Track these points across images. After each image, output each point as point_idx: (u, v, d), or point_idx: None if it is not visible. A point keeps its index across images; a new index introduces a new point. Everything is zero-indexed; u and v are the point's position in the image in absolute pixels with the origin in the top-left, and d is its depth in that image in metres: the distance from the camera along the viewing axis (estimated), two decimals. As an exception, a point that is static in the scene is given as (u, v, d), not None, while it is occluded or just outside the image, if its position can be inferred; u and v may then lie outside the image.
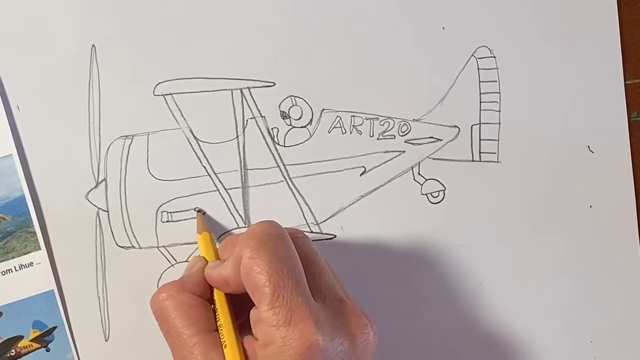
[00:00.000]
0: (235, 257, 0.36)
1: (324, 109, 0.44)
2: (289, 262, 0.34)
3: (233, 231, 0.44)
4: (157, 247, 0.43)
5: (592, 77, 0.46)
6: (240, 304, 0.37)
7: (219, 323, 0.37)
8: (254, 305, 0.35)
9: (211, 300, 0.38)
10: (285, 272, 0.34)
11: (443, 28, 0.45)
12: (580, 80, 0.46)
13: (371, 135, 0.45)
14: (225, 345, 0.35)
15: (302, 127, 0.44)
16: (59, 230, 0.42)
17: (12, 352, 0.42)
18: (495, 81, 0.45)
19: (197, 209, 0.43)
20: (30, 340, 0.43)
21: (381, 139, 0.45)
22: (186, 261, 0.43)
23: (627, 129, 0.46)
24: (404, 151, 0.45)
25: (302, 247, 0.37)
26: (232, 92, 0.44)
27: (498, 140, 0.46)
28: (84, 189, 0.43)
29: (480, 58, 0.45)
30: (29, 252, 0.42)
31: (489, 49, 0.45)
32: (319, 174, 0.44)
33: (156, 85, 0.43)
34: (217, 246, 0.41)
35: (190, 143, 0.43)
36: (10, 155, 0.42)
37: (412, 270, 0.45)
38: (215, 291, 0.38)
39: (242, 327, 0.37)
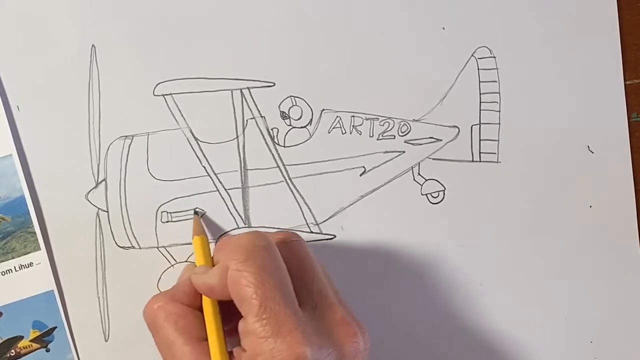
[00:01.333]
0: (222, 267, 0.36)
1: (323, 109, 0.44)
2: (275, 273, 0.35)
3: (232, 232, 0.44)
4: (157, 247, 0.43)
5: (592, 77, 0.46)
6: (232, 309, 0.37)
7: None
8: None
9: (202, 309, 0.38)
10: (272, 284, 0.34)
11: (443, 28, 0.45)
12: (580, 80, 0.46)
13: (371, 135, 0.45)
14: None
15: (302, 127, 0.44)
16: (59, 231, 0.42)
17: (12, 353, 0.42)
18: (495, 81, 0.45)
19: (195, 210, 0.43)
20: (30, 341, 0.43)
21: (381, 139, 0.45)
22: (186, 261, 0.43)
23: (627, 129, 0.46)
24: (404, 151, 0.45)
25: (296, 253, 0.37)
26: (232, 92, 0.44)
27: (498, 141, 0.45)
28: (84, 189, 0.43)
29: (480, 58, 0.45)
30: (29, 253, 0.42)
31: (488, 49, 0.45)
32: (319, 174, 0.44)
33: (156, 85, 0.43)
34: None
35: (190, 143, 0.43)
36: (10, 155, 0.42)
37: (412, 270, 0.45)
38: (204, 299, 0.38)
39: (235, 331, 0.37)
